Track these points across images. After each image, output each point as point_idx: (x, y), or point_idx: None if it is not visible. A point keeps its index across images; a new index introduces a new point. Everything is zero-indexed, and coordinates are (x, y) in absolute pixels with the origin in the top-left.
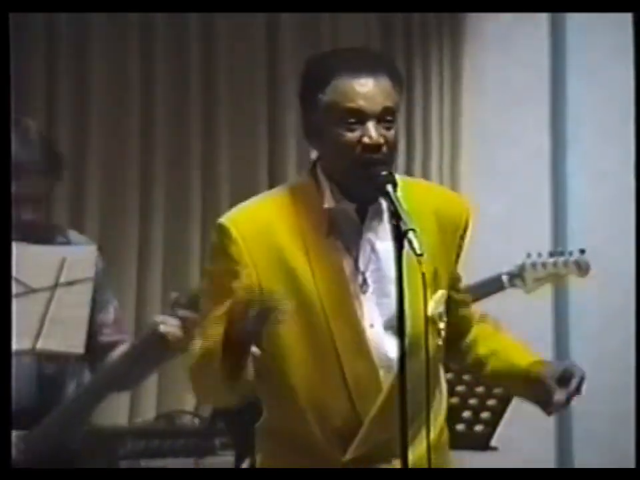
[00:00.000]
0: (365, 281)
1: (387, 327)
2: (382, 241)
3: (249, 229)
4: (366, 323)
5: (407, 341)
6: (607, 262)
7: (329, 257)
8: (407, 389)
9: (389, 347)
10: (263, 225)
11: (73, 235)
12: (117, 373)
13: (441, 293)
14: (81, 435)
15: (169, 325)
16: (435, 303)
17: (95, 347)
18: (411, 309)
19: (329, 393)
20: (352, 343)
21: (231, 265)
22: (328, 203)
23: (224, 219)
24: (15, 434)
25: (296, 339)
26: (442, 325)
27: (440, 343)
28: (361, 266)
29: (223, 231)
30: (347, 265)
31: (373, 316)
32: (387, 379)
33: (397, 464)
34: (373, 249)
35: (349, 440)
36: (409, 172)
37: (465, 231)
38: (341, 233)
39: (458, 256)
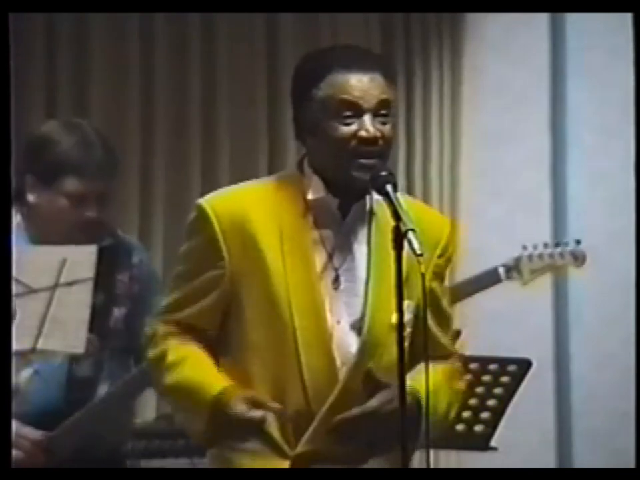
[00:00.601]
0: (337, 277)
1: (353, 326)
2: (359, 244)
3: (226, 213)
4: (333, 319)
5: (367, 341)
6: (606, 262)
7: (302, 247)
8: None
9: (352, 345)
10: (239, 209)
11: (123, 237)
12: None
13: (407, 303)
14: (121, 433)
15: None
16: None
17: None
18: (377, 313)
19: (284, 384)
20: (314, 337)
21: (205, 245)
22: (311, 194)
23: (203, 201)
24: (42, 434)
25: (258, 327)
26: (405, 334)
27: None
28: (336, 262)
29: (200, 211)
30: (321, 258)
31: (341, 313)
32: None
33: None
34: (350, 249)
35: (300, 433)
36: (409, 172)
37: (443, 249)
38: (320, 227)
39: (436, 275)
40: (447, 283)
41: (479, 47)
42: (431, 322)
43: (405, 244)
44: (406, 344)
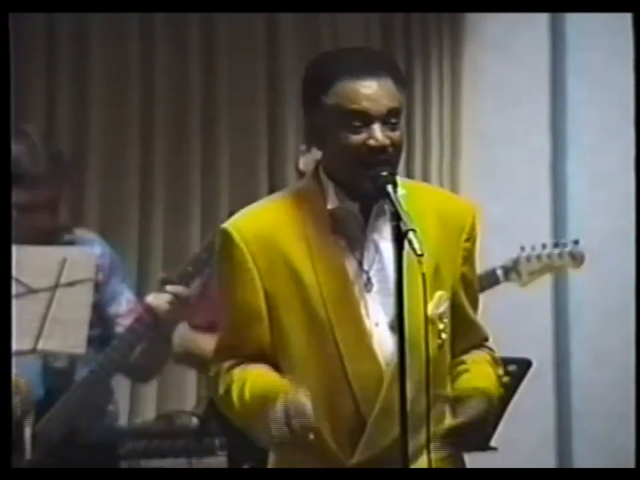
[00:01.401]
0: (369, 280)
1: (392, 326)
2: (386, 241)
3: (252, 234)
4: (371, 322)
5: (406, 340)
6: (606, 262)
7: (332, 258)
8: (407, 391)
9: (393, 345)
10: (265, 229)
11: (80, 232)
12: (117, 355)
13: (440, 294)
14: (101, 416)
15: (158, 299)
16: (435, 304)
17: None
18: (410, 309)
19: (334, 395)
20: (356, 343)
21: (236, 272)
22: (331, 203)
23: (227, 225)
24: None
25: (300, 341)
26: (441, 326)
27: (440, 342)
28: (365, 265)
29: (226, 236)
30: (351, 264)
31: (378, 315)
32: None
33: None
34: (377, 249)
35: (356, 442)
36: (409, 172)
37: (470, 233)
38: (345, 233)
39: (465, 260)
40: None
41: (478, 47)
42: (467, 306)
43: (406, 244)
44: (445, 336)
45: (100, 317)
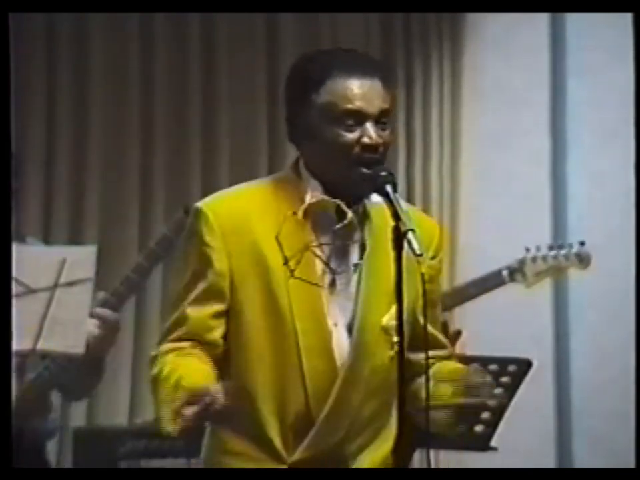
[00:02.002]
0: (334, 280)
1: (349, 329)
2: (354, 247)
3: (226, 216)
4: (331, 321)
5: (358, 343)
6: (606, 262)
7: (302, 252)
8: (354, 398)
9: (348, 348)
10: (240, 213)
11: (31, 240)
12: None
13: (397, 307)
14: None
15: (89, 324)
16: (389, 316)
17: None
18: (368, 315)
19: (286, 389)
20: (315, 340)
21: (204, 250)
22: (309, 197)
23: (201, 204)
24: None
25: (259, 331)
26: (395, 339)
27: (391, 354)
28: (332, 265)
29: (199, 215)
30: (319, 262)
31: (337, 316)
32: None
33: None
34: (345, 252)
35: (302, 439)
36: (408, 173)
37: (436, 252)
38: (318, 229)
39: (430, 278)
40: (441, 284)
41: (478, 47)
42: (423, 321)
43: (405, 244)
44: (397, 348)
45: None
